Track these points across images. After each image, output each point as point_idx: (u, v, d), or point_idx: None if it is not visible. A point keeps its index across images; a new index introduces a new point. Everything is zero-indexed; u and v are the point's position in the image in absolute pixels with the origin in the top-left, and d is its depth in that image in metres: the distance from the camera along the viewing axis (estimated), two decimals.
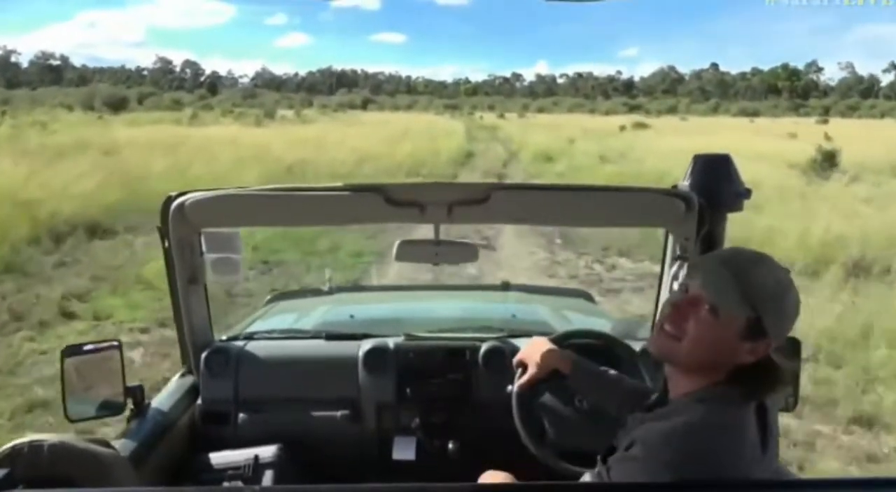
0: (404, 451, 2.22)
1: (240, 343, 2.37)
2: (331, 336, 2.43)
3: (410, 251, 2.07)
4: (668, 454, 1.14)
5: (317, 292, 3.40)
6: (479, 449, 2.11)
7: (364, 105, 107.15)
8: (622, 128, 39.70)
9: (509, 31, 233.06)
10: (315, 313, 2.93)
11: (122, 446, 1.78)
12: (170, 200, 1.99)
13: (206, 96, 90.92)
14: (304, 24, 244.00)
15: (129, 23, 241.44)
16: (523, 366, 1.87)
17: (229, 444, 2.14)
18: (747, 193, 1.92)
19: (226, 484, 1.99)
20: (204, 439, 2.20)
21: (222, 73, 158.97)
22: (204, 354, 2.26)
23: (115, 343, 1.98)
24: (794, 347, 1.75)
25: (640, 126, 40.44)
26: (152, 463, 1.90)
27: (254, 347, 2.35)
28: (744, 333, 1.17)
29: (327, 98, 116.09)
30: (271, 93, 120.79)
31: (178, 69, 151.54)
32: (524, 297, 3.39)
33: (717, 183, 1.91)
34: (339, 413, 2.23)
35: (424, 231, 2.07)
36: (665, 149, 21.22)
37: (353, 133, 28.72)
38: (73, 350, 1.88)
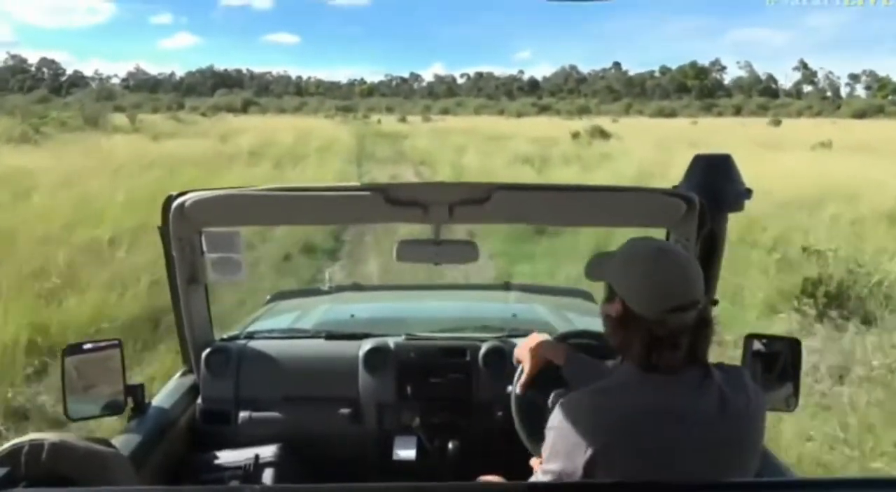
0: (405, 450, 2.20)
1: (240, 343, 2.36)
2: (331, 336, 2.41)
3: (410, 251, 2.04)
4: (556, 417, 1.29)
5: (317, 292, 3.39)
6: (480, 449, 2.12)
7: (244, 107, 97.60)
8: (576, 136, 28.14)
9: (405, 33, 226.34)
10: (315, 313, 2.90)
11: (123, 445, 1.76)
12: (170, 199, 1.97)
13: (46, 99, 78.97)
14: (191, 24, 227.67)
15: None
16: (520, 362, 1.88)
17: (229, 443, 2.14)
18: (748, 193, 1.90)
19: (226, 484, 1.98)
20: (204, 439, 2.19)
21: (87, 73, 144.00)
22: (204, 354, 2.25)
23: (116, 342, 1.98)
24: (793, 348, 1.86)
25: (600, 134, 28.62)
26: (153, 462, 1.90)
27: (254, 346, 2.33)
28: (605, 298, 1.37)
29: (203, 100, 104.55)
30: (135, 95, 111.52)
31: (33, 68, 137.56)
32: (524, 296, 3.33)
33: (718, 183, 1.89)
34: (339, 413, 2.23)
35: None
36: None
37: (155, 157, 16.36)
38: (73, 349, 1.88)
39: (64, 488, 1.15)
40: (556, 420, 1.27)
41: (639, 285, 1.28)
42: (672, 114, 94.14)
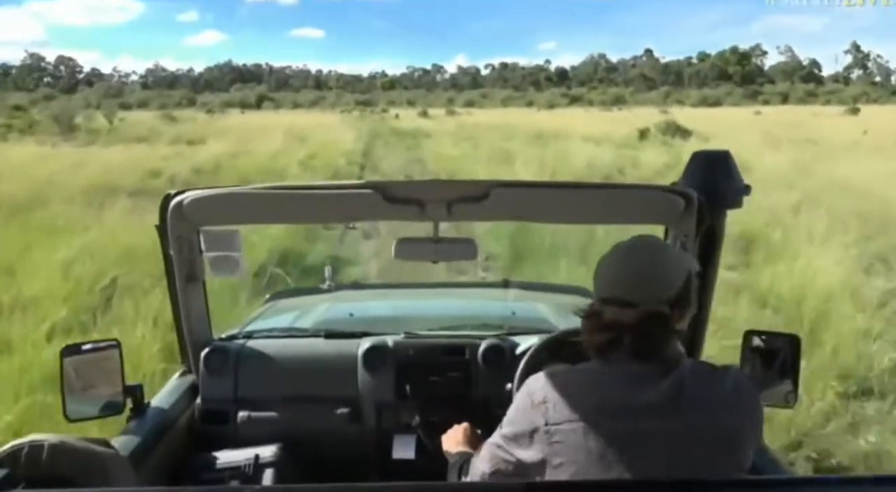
0: (404, 449, 2.19)
1: (239, 342, 2.34)
2: (330, 335, 2.40)
3: (409, 249, 2.03)
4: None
5: (316, 291, 3.32)
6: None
7: (259, 103, 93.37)
8: (643, 134, 22.51)
9: (428, 25, 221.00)
10: (314, 312, 2.88)
11: (122, 446, 1.75)
12: (168, 197, 1.95)
13: (50, 97, 76.82)
14: (217, 20, 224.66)
15: (29, 21, 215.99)
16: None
17: (229, 443, 2.13)
18: (747, 190, 1.89)
19: (226, 484, 1.97)
20: (204, 439, 2.18)
21: (106, 71, 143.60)
22: (203, 353, 2.23)
23: (115, 342, 1.96)
24: (793, 344, 1.84)
25: (677, 131, 22.80)
26: (152, 462, 1.89)
27: (253, 345, 2.32)
28: None
29: (217, 95, 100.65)
30: (149, 92, 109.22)
31: (51, 67, 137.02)
32: (524, 294, 3.28)
33: (716, 180, 1.87)
34: (338, 412, 2.21)
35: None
36: None
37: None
38: (71, 350, 1.87)
39: (63, 489, 1.15)
40: (519, 394, 1.34)
41: (596, 274, 1.35)
42: (716, 103, 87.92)
